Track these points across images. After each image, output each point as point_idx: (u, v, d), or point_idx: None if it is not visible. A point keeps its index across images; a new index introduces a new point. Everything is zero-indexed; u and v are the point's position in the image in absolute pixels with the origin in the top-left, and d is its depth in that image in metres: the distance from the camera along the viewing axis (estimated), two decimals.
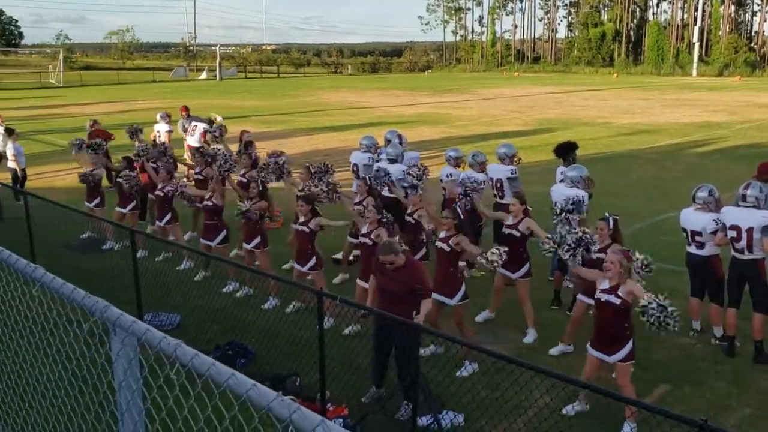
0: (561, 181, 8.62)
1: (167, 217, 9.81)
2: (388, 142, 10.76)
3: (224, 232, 9.10)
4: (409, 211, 8.37)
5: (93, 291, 2.58)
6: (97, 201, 11.01)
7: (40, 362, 3.47)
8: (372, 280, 6.38)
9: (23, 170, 14.34)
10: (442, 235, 6.99)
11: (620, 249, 6.17)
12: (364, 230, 7.60)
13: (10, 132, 14.40)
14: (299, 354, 6.56)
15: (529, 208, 7.94)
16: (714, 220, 7.07)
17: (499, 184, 9.20)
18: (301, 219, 7.92)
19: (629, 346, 5.56)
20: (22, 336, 3.55)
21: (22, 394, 3.50)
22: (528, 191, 9.51)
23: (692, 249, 7.35)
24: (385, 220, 7.59)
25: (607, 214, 6.93)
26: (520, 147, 16.71)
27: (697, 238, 7.24)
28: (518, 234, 7.46)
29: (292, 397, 1.81)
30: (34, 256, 9.28)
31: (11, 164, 14.12)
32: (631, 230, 11.75)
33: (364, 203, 8.34)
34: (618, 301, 5.52)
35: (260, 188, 8.83)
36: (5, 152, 14.11)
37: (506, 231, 7.58)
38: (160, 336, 2.20)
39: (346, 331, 7.25)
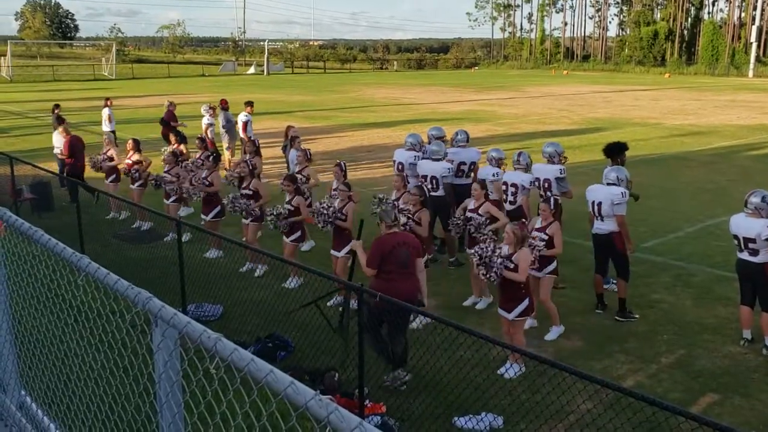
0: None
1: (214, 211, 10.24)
2: (438, 138, 10.64)
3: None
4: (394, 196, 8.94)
5: (140, 281, 2.60)
6: (112, 177, 12.37)
7: (84, 350, 3.52)
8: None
9: None
10: (409, 209, 7.95)
11: (518, 222, 7.04)
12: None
13: (60, 121, 14.80)
14: (338, 349, 6.57)
15: (489, 192, 8.57)
16: None
17: (547, 184, 9.01)
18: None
19: (524, 304, 6.46)
20: (67, 324, 3.61)
21: (65, 380, 3.56)
22: (575, 192, 9.35)
23: (744, 256, 7.11)
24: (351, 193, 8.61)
25: (549, 194, 7.84)
26: (568, 146, 16.47)
27: (751, 245, 7.00)
28: (478, 218, 8.03)
29: (330, 396, 1.78)
30: (83, 245, 9.49)
31: (57, 151, 14.51)
32: (682, 234, 11.48)
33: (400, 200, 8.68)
34: (512, 266, 6.36)
35: (250, 169, 9.81)
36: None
37: (468, 214, 8.15)
38: (200, 329, 2.20)
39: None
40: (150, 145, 16.11)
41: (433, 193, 9.49)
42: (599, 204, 7.80)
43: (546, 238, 7.35)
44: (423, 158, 10.12)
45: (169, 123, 17.05)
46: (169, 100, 18.12)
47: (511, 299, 6.48)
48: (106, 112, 17.94)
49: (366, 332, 6.07)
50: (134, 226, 11.63)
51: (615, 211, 7.73)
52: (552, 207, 7.52)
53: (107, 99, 18.65)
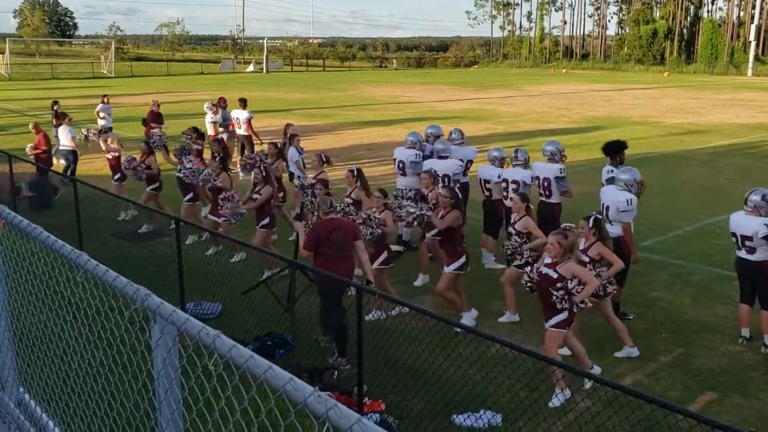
0: (608, 180, 8.43)
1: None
2: (435, 137, 10.63)
3: (267, 219, 9.51)
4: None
5: (138, 279, 2.59)
6: (117, 176, 12.22)
7: (82, 347, 3.52)
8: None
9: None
10: (441, 213, 7.70)
11: (559, 230, 6.35)
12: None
13: (63, 116, 14.78)
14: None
15: (530, 206, 8.13)
16: (766, 224, 6.82)
17: (546, 183, 9.00)
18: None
19: (562, 316, 5.98)
20: (66, 321, 3.61)
21: (64, 378, 3.56)
22: (576, 191, 9.35)
23: (743, 254, 7.12)
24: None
25: (594, 213, 7.07)
26: (567, 145, 16.45)
27: (748, 243, 7.00)
28: (514, 232, 7.80)
29: (329, 393, 1.78)
30: (81, 242, 9.48)
31: (71, 145, 14.42)
32: (682, 232, 11.48)
33: (430, 195, 8.52)
34: (555, 275, 5.94)
35: (263, 174, 9.54)
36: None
37: (510, 229, 7.95)
38: (199, 326, 2.19)
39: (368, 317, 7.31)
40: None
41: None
42: (607, 208, 7.78)
43: (587, 260, 6.79)
44: (425, 157, 10.15)
45: (149, 124, 16.66)
46: (154, 100, 18.29)
47: (548, 308, 6.09)
48: (98, 107, 18.17)
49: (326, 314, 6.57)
50: (135, 215, 11.65)
51: (620, 218, 7.63)
52: (591, 225, 6.78)
53: (104, 96, 18.84)
